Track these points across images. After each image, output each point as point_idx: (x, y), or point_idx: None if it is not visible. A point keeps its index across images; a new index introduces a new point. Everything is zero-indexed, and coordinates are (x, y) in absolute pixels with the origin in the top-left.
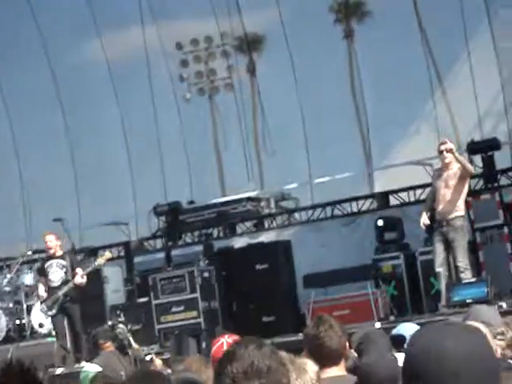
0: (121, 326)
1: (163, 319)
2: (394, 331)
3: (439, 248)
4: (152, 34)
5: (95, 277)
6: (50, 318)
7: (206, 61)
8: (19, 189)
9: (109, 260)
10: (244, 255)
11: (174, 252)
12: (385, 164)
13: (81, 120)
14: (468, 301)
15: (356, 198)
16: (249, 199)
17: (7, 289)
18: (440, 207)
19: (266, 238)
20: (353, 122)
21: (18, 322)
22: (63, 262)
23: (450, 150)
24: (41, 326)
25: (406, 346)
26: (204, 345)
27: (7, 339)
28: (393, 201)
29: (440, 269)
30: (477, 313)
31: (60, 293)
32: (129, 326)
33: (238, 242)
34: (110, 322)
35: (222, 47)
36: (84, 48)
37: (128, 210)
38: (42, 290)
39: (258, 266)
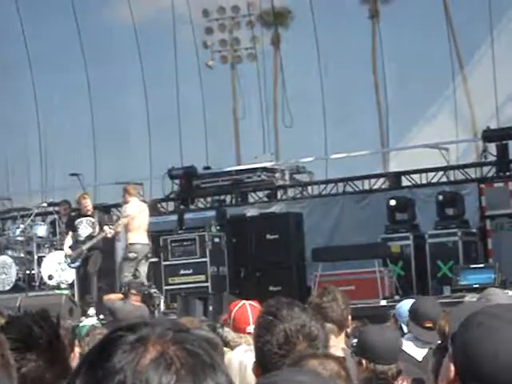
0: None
1: (171, 281)
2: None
3: None
4: None
5: None
6: (59, 271)
7: (230, 30)
8: (37, 141)
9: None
10: (255, 224)
11: (186, 216)
12: (401, 145)
13: (103, 78)
14: (475, 286)
15: (369, 177)
16: (264, 169)
17: (19, 239)
18: None
19: (277, 209)
20: (372, 101)
21: (27, 272)
22: (93, 220)
23: None
24: (50, 277)
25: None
26: (211, 308)
27: (16, 288)
28: (405, 182)
29: None
30: (495, 296)
31: (84, 247)
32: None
33: (250, 211)
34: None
35: (248, 17)
36: (111, 6)
37: (143, 170)
38: (67, 244)
39: (268, 236)
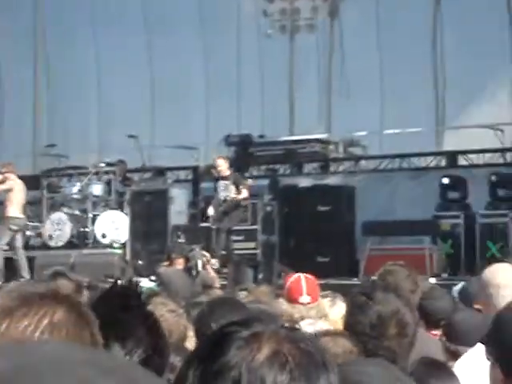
0: (197, 249)
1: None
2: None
3: None
4: None
5: (161, 196)
6: (113, 230)
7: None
8: (97, 102)
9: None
10: (308, 195)
11: None
12: (458, 122)
13: (162, 43)
14: None
15: (425, 154)
16: (318, 140)
17: (75, 196)
18: None
19: (330, 181)
20: (429, 78)
21: (81, 229)
22: (227, 182)
23: None
24: (103, 236)
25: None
26: (261, 276)
27: (70, 245)
28: (461, 161)
29: None
30: None
31: (222, 208)
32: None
33: (303, 182)
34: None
35: None
36: None
37: (199, 135)
38: (211, 209)
39: (320, 207)
